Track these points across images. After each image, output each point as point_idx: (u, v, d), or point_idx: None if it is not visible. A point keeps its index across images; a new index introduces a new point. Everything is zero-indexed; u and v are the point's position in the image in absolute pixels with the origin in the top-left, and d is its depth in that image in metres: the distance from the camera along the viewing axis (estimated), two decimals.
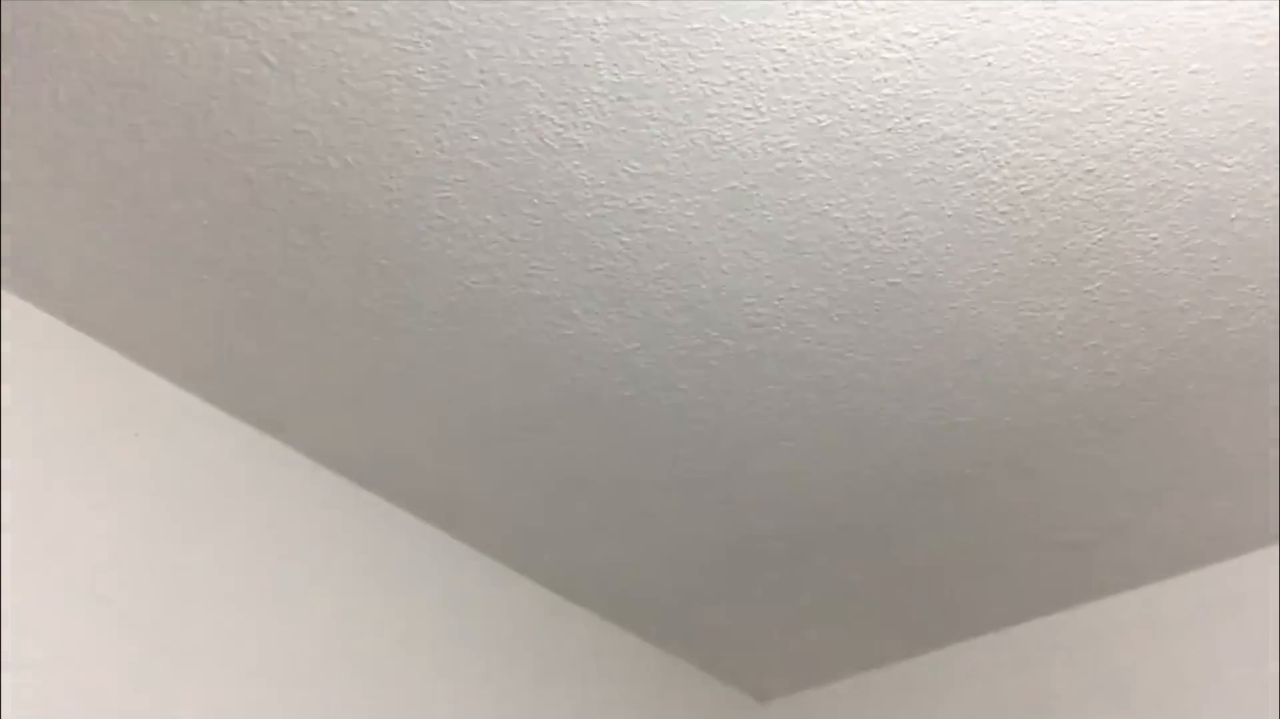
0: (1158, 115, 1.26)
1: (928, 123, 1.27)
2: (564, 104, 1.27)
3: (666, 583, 1.97)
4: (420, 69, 1.24)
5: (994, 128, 1.28)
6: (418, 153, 1.32)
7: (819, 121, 1.28)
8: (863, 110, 1.26)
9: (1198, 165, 1.31)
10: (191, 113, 1.29)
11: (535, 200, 1.37)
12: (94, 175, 1.36)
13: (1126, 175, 1.32)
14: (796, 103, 1.26)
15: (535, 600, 1.97)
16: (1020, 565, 1.89)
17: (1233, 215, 1.36)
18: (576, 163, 1.33)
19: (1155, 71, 1.22)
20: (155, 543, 1.56)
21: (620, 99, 1.26)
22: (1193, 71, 1.23)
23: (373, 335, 1.55)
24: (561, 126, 1.29)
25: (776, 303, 1.48)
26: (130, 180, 1.37)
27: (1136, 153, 1.30)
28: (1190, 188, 1.34)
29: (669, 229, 1.40)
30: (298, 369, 1.60)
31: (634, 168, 1.33)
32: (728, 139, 1.30)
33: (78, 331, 1.55)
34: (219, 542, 1.62)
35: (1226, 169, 1.32)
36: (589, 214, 1.38)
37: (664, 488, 1.78)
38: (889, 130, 1.28)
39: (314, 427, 1.69)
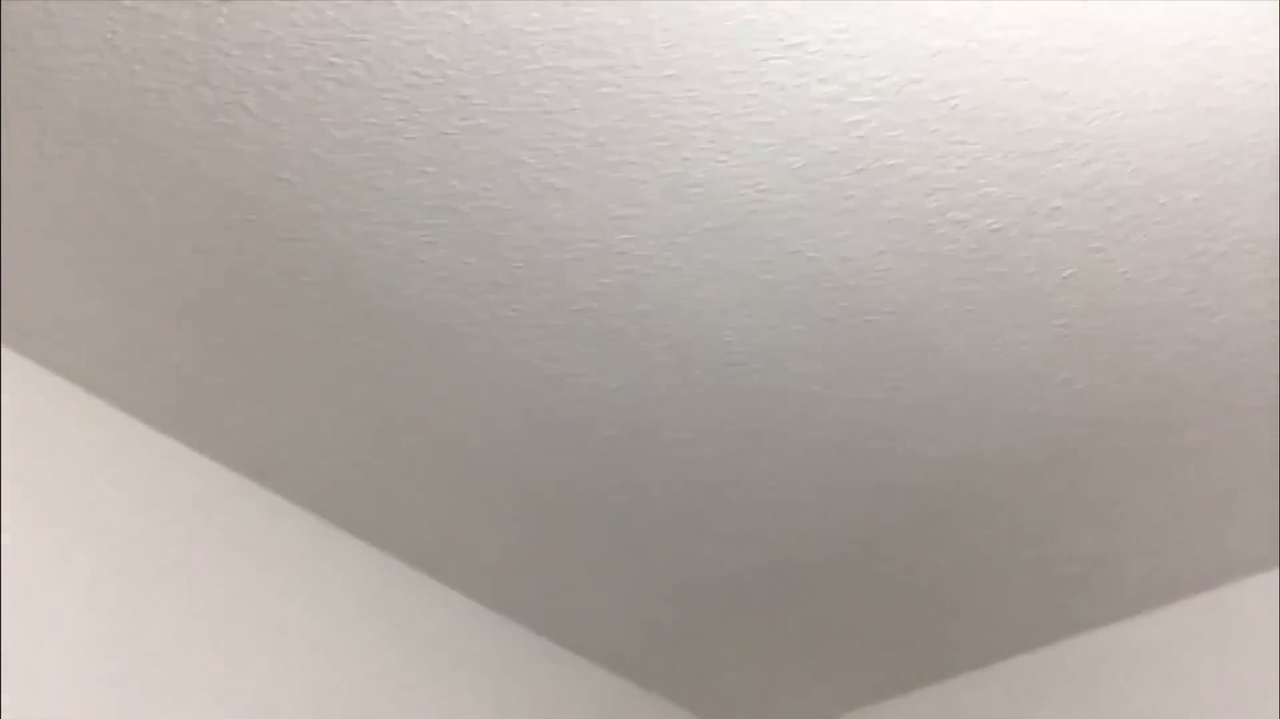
0: (1120, 154, 1.30)
1: (897, 163, 1.31)
2: (542, 149, 1.30)
3: (648, 622, 1.97)
4: (401, 117, 1.27)
5: (962, 168, 1.31)
6: (399, 199, 1.35)
7: (791, 163, 1.31)
8: (834, 152, 1.30)
9: (1161, 201, 1.35)
10: (175, 161, 1.31)
11: (516, 243, 1.40)
12: (76, 223, 1.38)
13: (1092, 212, 1.36)
14: (769, 145, 1.29)
15: (518, 642, 1.96)
16: (1002, 599, 1.90)
17: (1198, 249, 1.40)
18: (555, 206, 1.35)
19: (1116, 112, 1.26)
20: (135, 588, 1.56)
21: (597, 144, 1.29)
22: (1152, 111, 1.26)
23: (354, 379, 1.56)
24: (540, 171, 1.32)
25: (755, 341, 1.50)
26: (111, 227, 1.39)
27: (1101, 190, 1.34)
28: (1155, 223, 1.37)
29: (648, 270, 1.42)
30: (279, 413, 1.61)
31: (612, 210, 1.36)
32: (703, 181, 1.33)
33: (56, 376, 1.56)
34: (199, 586, 1.62)
35: (1189, 204, 1.35)
36: (569, 256, 1.41)
37: (647, 527, 1.79)
38: (860, 171, 1.31)
39: (296, 470, 1.70)
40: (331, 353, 1.52)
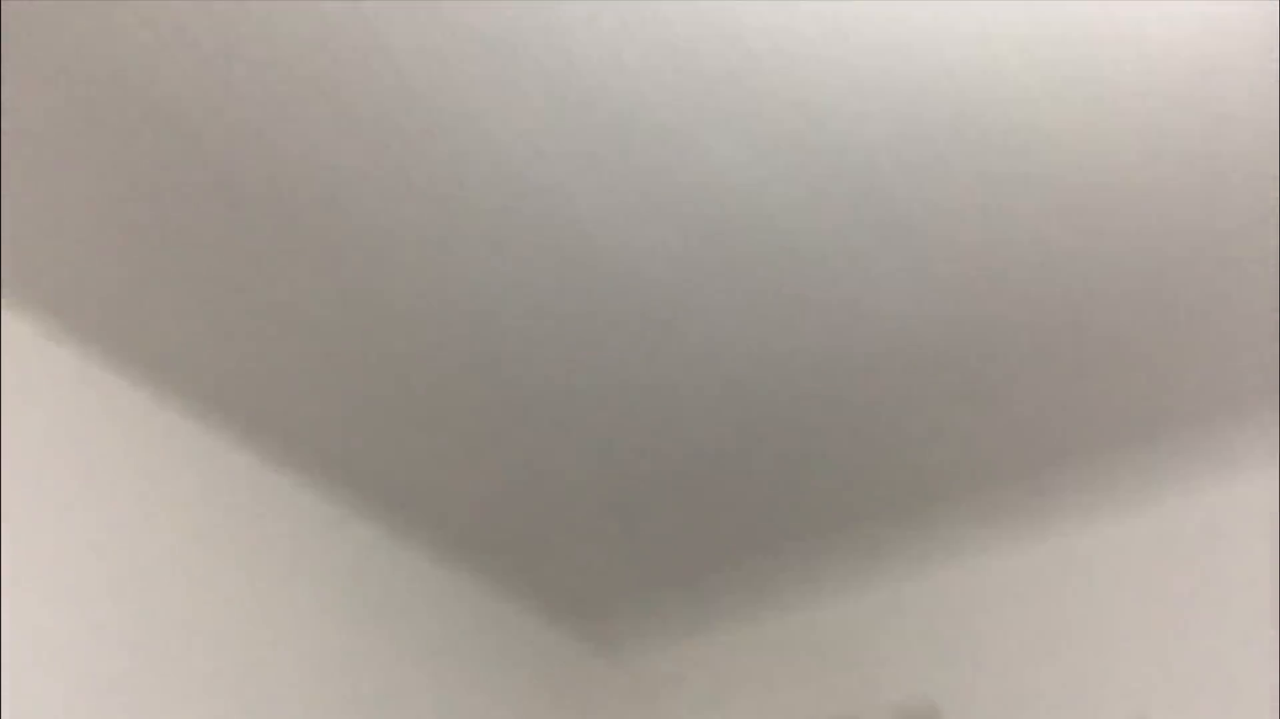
0: None
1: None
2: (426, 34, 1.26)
3: (515, 523, 1.93)
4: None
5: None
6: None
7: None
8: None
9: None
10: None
11: (401, 129, 1.35)
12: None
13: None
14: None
15: (368, 538, 1.93)
16: (879, 510, 1.88)
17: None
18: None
19: None
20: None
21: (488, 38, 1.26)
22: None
23: (234, 262, 1.49)
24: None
25: (633, 245, 1.50)
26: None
27: None
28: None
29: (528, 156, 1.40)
30: (156, 294, 1.55)
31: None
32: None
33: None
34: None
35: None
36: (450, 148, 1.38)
37: (506, 421, 1.75)
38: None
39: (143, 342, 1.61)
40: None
